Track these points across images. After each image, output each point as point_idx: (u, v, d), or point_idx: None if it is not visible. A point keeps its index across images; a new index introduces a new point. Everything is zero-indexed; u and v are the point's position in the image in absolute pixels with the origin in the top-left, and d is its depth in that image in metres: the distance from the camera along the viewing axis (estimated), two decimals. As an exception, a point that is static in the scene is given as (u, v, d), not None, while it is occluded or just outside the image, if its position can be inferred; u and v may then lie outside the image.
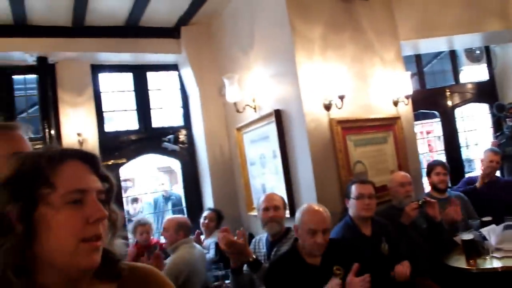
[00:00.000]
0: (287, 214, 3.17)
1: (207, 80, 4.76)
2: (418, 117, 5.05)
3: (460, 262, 2.82)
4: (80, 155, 0.86)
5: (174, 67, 5.03)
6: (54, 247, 0.79)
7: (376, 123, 3.74)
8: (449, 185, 4.00)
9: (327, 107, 3.45)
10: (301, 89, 3.38)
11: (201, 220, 4.08)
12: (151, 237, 3.97)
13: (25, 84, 4.63)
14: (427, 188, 3.94)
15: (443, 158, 5.15)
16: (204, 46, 4.80)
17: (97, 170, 0.88)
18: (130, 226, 4.00)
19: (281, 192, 3.44)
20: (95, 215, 0.81)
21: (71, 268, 0.81)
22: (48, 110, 4.39)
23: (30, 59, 4.37)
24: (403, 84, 3.89)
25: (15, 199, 0.77)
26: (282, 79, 3.62)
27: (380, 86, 3.86)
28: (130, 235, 3.93)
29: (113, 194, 0.91)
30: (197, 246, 3.57)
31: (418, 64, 5.26)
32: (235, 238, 2.57)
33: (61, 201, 0.79)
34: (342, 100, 3.40)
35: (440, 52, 5.74)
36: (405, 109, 4.01)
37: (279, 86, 3.68)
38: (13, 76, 4.51)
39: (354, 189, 2.82)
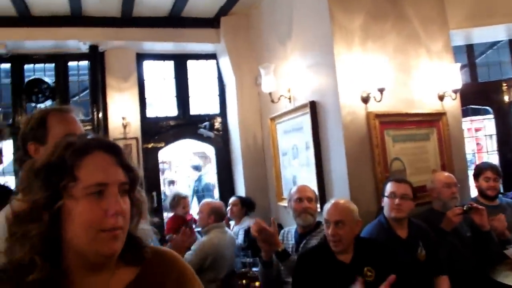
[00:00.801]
0: (318, 208, 2.75)
1: (244, 69, 4.45)
2: (466, 113, 4.27)
3: (509, 278, 2.19)
4: (105, 146, 0.83)
5: (212, 56, 4.79)
6: (76, 236, 0.77)
7: (418, 118, 3.14)
8: (501, 190, 3.22)
9: (365, 100, 2.97)
10: (339, 80, 2.95)
11: (228, 207, 3.84)
12: (189, 211, 3.91)
13: (78, 70, 4.54)
14: (473, 192, 3.23)
15: (495, 159, 4.29)
16: (242, 36, 4.50)
17: (121, 160, 0.83)
18: (169, 199, 3.92)
19: (312, 185, 3.02)
20: (113, 208, 0.78)
21: (92, 255, 0.78)
22: (97, 95, 4.30)
23: (84, 47, 4.27)
24: (451, 77, 3.22)
25: (43, 189, 0.76)
26: (319, 70, 3.19)
27: (425, 79, 3.25)
28: (168, 208, 3.91)
29: (137, 183, 0.86)
30: (229, 231, 3.40)
31: (469, 55, 4.34)
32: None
33: (82, 193, 0.77)
34: (381, 93, 2.89)
35: (497, 42, 4.67)
36: (452, 104, 3.35)
37: (315, 77, 3.25)
38: (68, 63, 4.44)
39: (388, 187, 2.41)
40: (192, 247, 3.02)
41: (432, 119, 3.21)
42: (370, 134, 2.94)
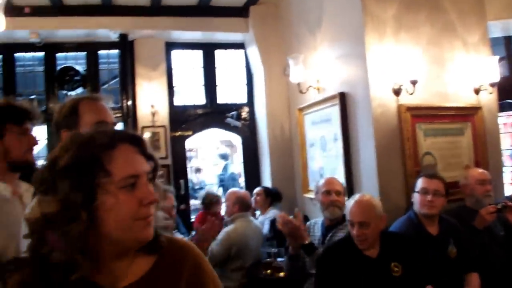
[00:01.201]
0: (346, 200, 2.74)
1: (272, 59, 4.45)
2: (503, 107, 4.09)
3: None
4: (129, 138, 0.84)
5: (241, 45, 4.81)
6: (113, 227, 0.79)
7: (452, 112, 3.07)
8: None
9: (397, 92, 2.92)
10: (369, 72, 2.91)
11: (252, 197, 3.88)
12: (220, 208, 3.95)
13: (108, 58, 4.67)
14: (508, 190, 3.20)
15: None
16: (271, 25, 4.49)
17: (144, 151, 0.85)
18: (204, 197, 3.89)
19: (340, 177, 3.00)
20: (148, 198, 0.81)
21: (129, 241, 0.82)
22: (127, 83, 4.43)
23: (114, 36, 4.38)
24: (488, 70, 3.13)
25: (77, 188, 0.75)
26: (349, 61, 3.16)
27: (460, 72, 3.16)
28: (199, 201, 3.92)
29: (158, 171, 0.88)
30: (254, 221, 3.44)
31: (508, 47, 4.17)
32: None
33: (117, 187, 0.78)
34: (413, 85, 2.85)
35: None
36: (489, 98, 3.25)
37: (345, 68, 3.22)
38: (98, 51, 4.57)
39: (419, 183, 2.36)
40: (218, 237, 3.06)
41: (467, 113, 3.14)
42: (401, 127, 2.90)
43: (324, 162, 3.57)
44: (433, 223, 2.31)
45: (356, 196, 2.13)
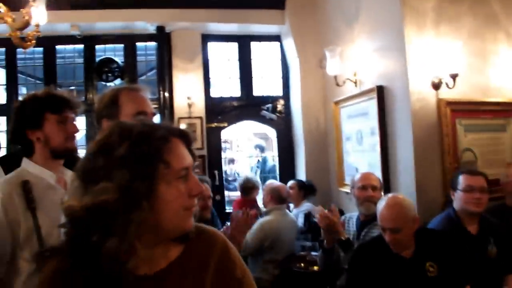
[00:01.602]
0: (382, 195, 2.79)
1: (308, 51, 4.51)
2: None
3: None
4: (180, 133, 0.90)
5: (276, 38, 4.89)
6: (166, 216, 0.84)
7: (494, 107, 3.06)
8: None
9: (436, 86, 2.94)
10: (408, 65, 2.94)
11: None
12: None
13: (146, 50, 4.87)
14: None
15: None
16: (307, 17, 4.54)
17: (189, 146, 0.91)
18: (242, 182, 4.01)
19: (376, 171, 3.07)
20: (197, 189, 0.87)
21: (172, 231, 0.87)
22: (164, 74, 4.61)
23: (151, 28, 4.57)
24: (534, 63, 3.10)
25: (140, 178, 0.79)
26: (387, 54, 3.19)
27: (503, 65, 3.14)
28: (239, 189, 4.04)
29: (194, 166, 0.92)
30: (290, 214, 3.52)
31: None
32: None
33: (173, 177, 0.84)
34: (454, 79, 2.85)
35: None
36: (533, 93, 3.22)
37: (383, 61, 3.26)
38: (136, 43, 4.77)
39: (462, 180, 2.32)
40: (253, 227, 3.10)
41: (510, 109, 3.12)
42: (440, 122, 2.92)
43: (360, 156, 3.64)
44: (473, 221, 2.29)
45: (387, 198, 2.10)
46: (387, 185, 3.13)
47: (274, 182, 3.68)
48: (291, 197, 3.92)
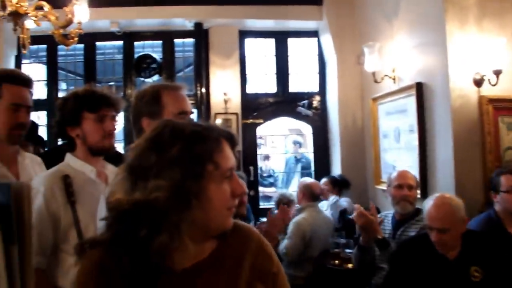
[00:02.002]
0: (418, 194, 2.83)
1: (346, 47, 4.57)
2: None
3: None
4: (227, 135, 0.93)
5: (314, 33, 4.95)
6: (211, 215, 0.88)
7: (539, 105, 3.01)
8: None
9: (478, 83, 2.94)
10: (449, 61, 2.96)
11: None
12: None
13: (183, 47, 5.03)
14: None
15: None
16: (345, 13, 4.60)
17: (233, 147, 0.94)
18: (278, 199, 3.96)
19: (414, 170, 3.09)
20: (239, 190, 0.91)
21: (214, 230, 0.91)
22: (201, 71, 4.76)
23: (189, 25, 4.72)
24: None
25: (190, 177, 0.83)
26: (428, 50, 3.22)
27: None
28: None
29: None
30: (323, 211, 3.60)
31: None
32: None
33: (221, 177, 0.87)
34: (497, 76, 2.85)
35: None
36: None
37: (423, 57, 3.29)
38: (174, 40, 4.95)
39: (504, 181, 2.31)
40: (288, 230, 3.26)
41: None
42: (482, 120, 2.93)
43: (398, 154, 3.67)
44: (514, 222, 2.25)
45: (435, 197, 2.06)
46: (424, 184, 3.17)
47: (307, 180, 3.74)
48: (325, 195, 3.97)
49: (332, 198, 3.88)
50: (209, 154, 0.86)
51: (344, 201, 3.85)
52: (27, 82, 1.69)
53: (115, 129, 1.65)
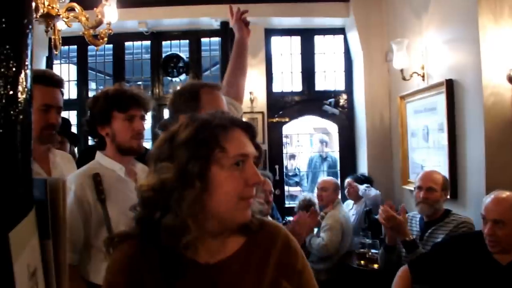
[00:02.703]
0: (448, 195, 2.73)
1: (373, 44, 4.51)
2: None
3: None
4: (242, 125, 0.95)
5: (340, 31, 4.91)
6: (220, 202, 0.89)
7: None
8: None
9: None
10: (482, 57, 2.85)
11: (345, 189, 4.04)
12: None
13: (210, 46, 5.08)
14: None
15: None
16: (373, 9, 4.53)
17: (253, 138, 0.96)
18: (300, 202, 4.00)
19: (443, 170, 3.02)
20: (253, 179, 0.91)
21: (229, 221, 0.92)
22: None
23: (215, 24, 4.76)
24: None
25: (194, 159, 0.86)
26: (459, 46, 3.12)
27: None
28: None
29: (261, 160, 0.97)
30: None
31: None
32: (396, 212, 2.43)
33: (229, 163, 0.88)
34: None
35: None
36: None
37: (453, 54, 3.19)
38: (201, 39, 5.01)
39: None
40: (323, 228, 3.31)
41: None
42: None
43: (427, 153, 3.60)
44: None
45: (495, 193, 2.02)
46: (454, 185, 3.09)
47: (332, 178, 3.87)
48: (350, 194, 4.00)
49: (364, 186, 3.86)
50: (215, 138, 0.89)
51: (375, 191, 3.77)
52: (58, 83, 1.74)
53: (144, 128, 1.68)
